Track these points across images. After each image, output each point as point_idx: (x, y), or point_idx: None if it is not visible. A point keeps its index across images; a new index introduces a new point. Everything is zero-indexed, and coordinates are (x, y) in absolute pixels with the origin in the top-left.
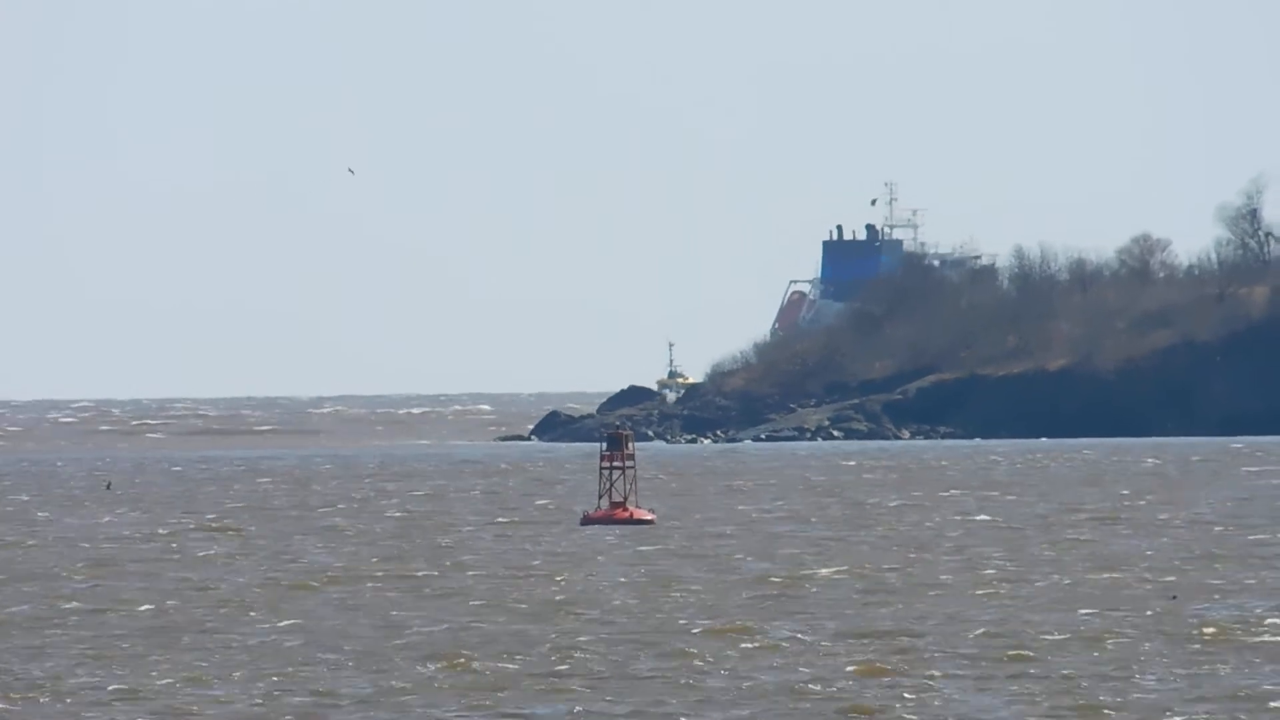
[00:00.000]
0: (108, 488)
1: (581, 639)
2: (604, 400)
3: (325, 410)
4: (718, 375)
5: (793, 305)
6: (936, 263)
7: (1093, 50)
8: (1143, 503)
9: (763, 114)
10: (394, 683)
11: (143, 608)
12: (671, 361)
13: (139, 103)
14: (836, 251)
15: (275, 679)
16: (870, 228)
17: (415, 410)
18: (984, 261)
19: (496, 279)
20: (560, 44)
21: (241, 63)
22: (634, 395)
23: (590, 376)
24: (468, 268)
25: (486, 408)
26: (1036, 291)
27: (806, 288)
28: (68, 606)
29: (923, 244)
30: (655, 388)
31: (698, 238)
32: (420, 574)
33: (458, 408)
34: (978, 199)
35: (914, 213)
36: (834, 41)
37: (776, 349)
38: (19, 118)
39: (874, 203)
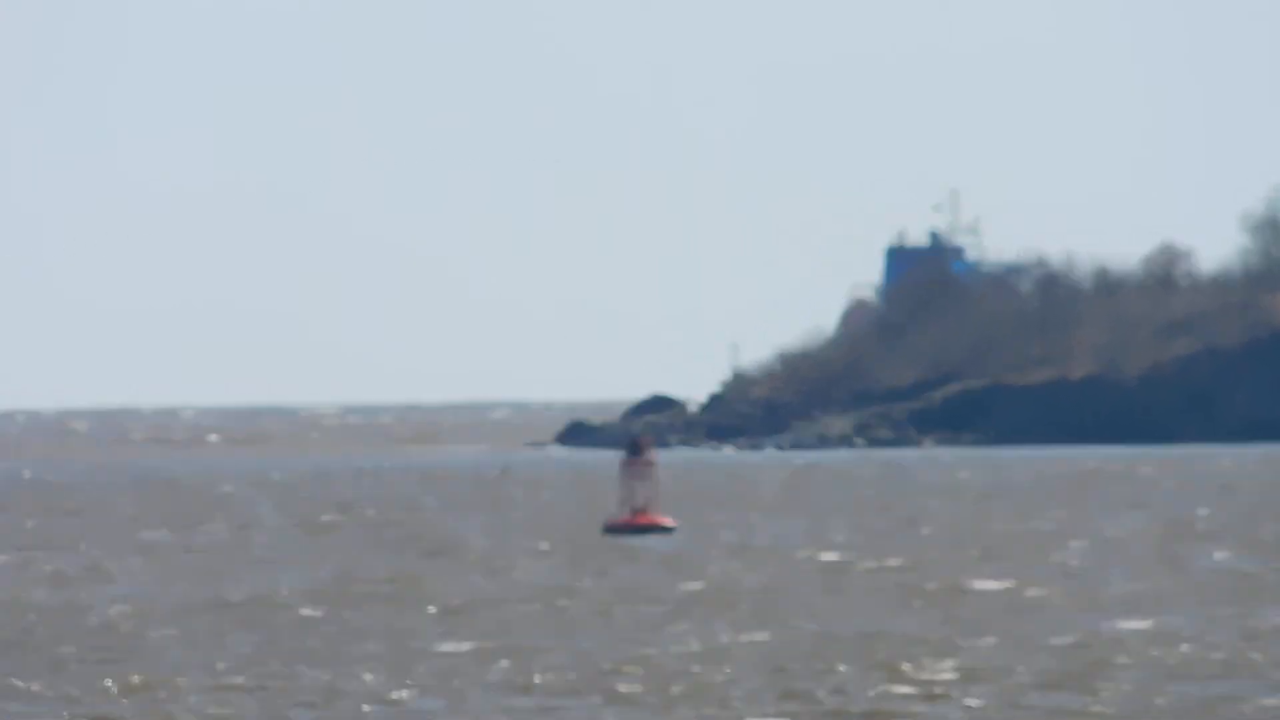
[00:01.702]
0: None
1: None
2: (628, 409)
3: (348, 420)
4: (741, 382)
5: (855, 311)
6: (1000, 270)
7: (1116, 58)
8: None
9: (827, 119)
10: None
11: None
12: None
13: (138, 103)
14: (899, 258)
15: None
16: (934, 234)
17: (438, 419)
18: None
19: (531, 285)
20: (585, 34)
21: (241, 63)
22: (657, 403)
23: (644, 383)
24: (496, 274)
25: (543, 416)
26: (1060, 300)
27: (869, 293)
28: None
29: (986, 251)
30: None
31: (759, 243)
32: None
33: (480, 416)
34: (1041, 206)
35: (977, 219)
36: (903, 43)
37: (800, 356)
38: (17, 118)
39: (937, 209)
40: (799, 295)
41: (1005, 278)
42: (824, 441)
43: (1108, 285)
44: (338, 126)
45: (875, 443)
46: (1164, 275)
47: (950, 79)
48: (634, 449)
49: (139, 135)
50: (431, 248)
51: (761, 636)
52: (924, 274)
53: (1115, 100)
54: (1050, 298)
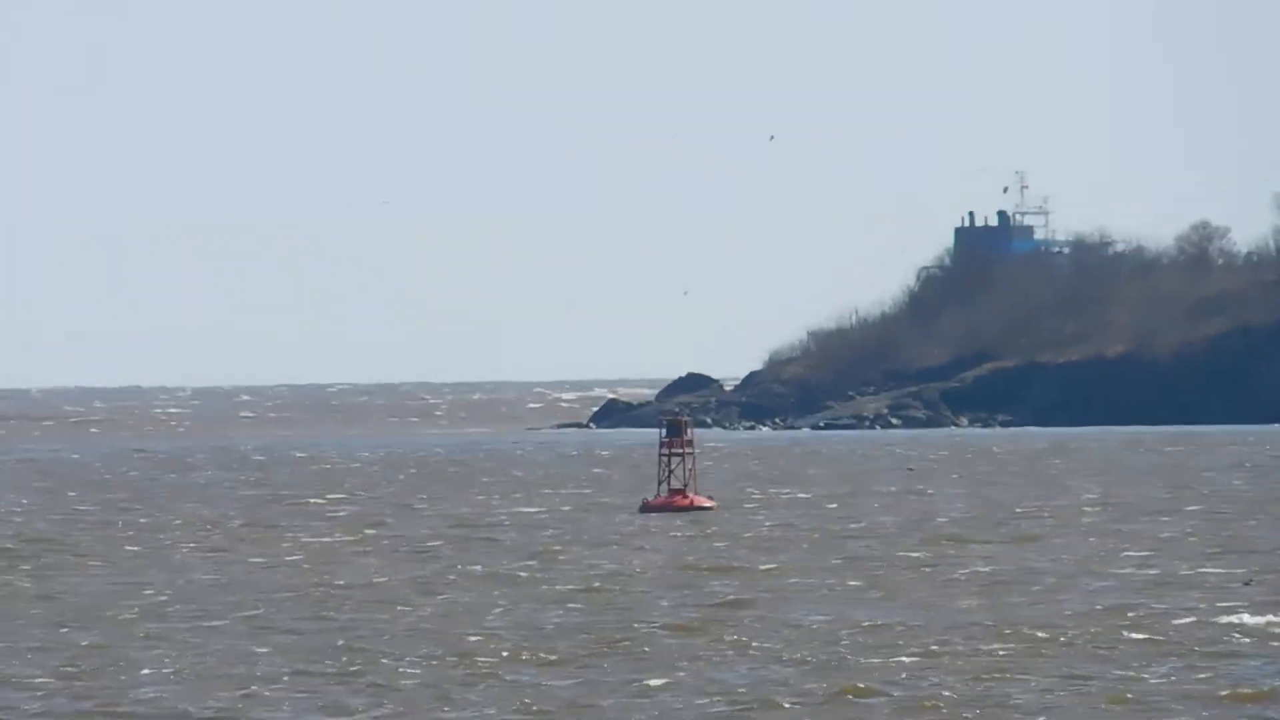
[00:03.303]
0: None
1: None
2: (663, 387)
3: (369, 400)
4: (776, 363)
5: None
6: (1067, 250)
7: (1150, 38)
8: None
9: (897, 99)
10: None
11: None
12: None
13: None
14: (968, 238)
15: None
16: (1002, 214)
17: (474, 397)
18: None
19: (577, 263)
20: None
21: (238, 64)
22: (692, 382)
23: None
24: (537, 253)
25: (568, 395)
26: (1095, 278)
27: (939, 274)
28: None
29: (1053, 231)
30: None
31: (832, 224)
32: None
33: (515, 395)
34: (1107, 186)
35: (1045, 200)
36: (970, 27)
37: (835, 336)
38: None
39: (1006, 190)
40: (873, 277)
41: (1041, 257)
42: (859, 421)
43: (1143, 264)
44: (346, 109)
45: (910, 422)
46: (1198, 253)
47: (1022, 62)
48: (672, 429)
49: (133, 140)
50: (464, 225)
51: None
52: (965, 255)
53: (1154, 82)
54: (1085, 276)
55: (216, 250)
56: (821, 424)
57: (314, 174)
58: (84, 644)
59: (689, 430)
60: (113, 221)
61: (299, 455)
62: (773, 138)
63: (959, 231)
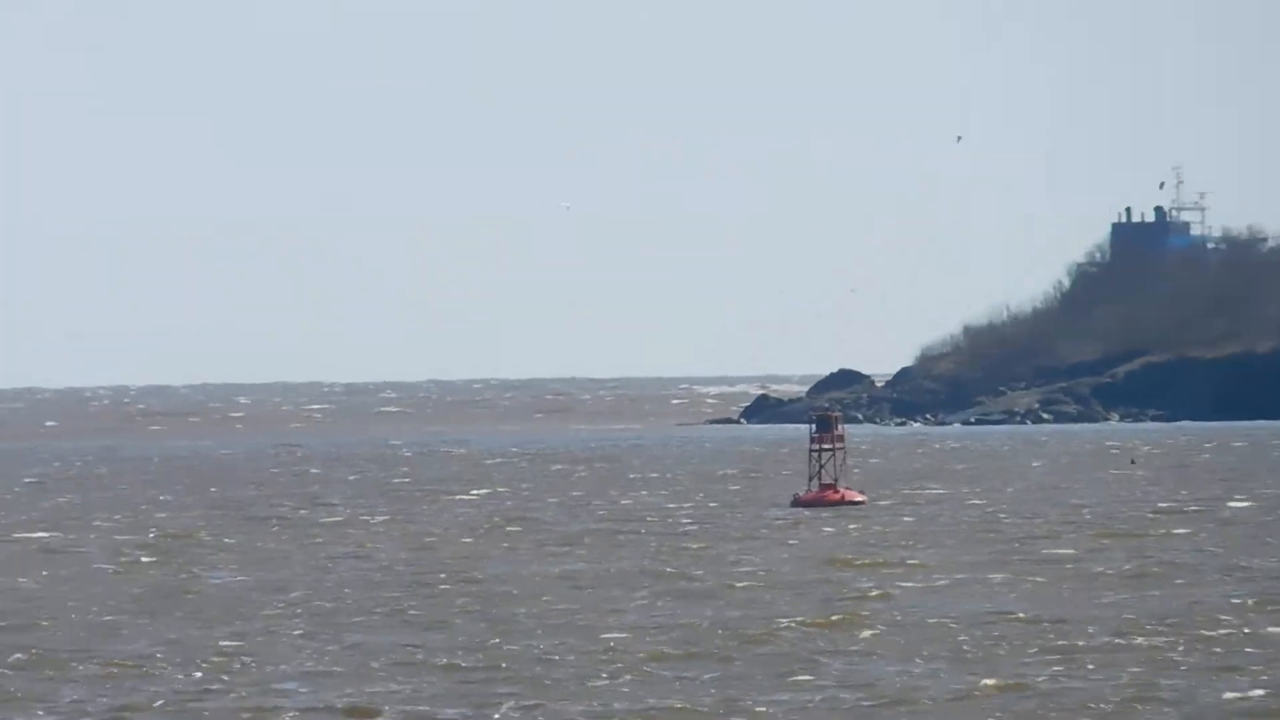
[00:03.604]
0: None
1: None
2: (814, 383)
3: (513, 397)
4: (927, 358)
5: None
6: (1223, 245)
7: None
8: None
9: (1055, 96)
10: None
11: None
12: None
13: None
14: (1125, 233)
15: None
16: (1159, 210)
17: (620, 393)
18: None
19: (726, 260)
20: None
21: (238, 64)
22: (844, 378)
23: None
24: (684, 249)
25: (708, 391)
26: (1246, 274)
27: (1092, 270)
28: None
29: (1209, 227)
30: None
31: (984, 219)
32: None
33: (664, 391)
34: (1264, 181)
35: (1201, 195)
36: (1134, 23)
37: (986, 332)
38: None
39: (1162, 186)
40: (1029, 272)
41: (1196, 253)
42: (1010, 416)
43: None
44: (346, 109)
45: (1061, 418)
46: None
47: (1179, 56)
48: (823, 424)
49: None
50: (464, 225)
51: None
52: (1121, 251)
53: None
54: (1237, 272)
55: (216, 250)
56: (972, 419)
57: (314, 174)
58: (227, 639)
59: (839, 425)
60: (113, 221)
61: (447, 450)
62: (960, 138)
63: (1116, 227)
